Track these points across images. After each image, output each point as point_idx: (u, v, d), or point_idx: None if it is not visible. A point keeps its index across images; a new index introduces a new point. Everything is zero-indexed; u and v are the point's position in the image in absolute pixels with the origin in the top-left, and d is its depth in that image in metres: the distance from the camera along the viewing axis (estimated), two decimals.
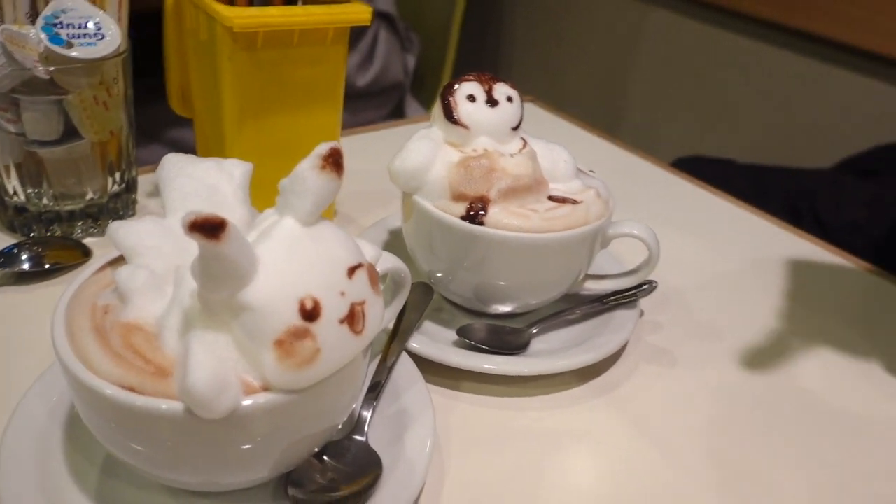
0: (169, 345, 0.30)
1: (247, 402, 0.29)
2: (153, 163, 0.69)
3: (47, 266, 0.52)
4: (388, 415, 0.41)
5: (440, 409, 0.42)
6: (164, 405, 0.28)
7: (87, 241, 0.56)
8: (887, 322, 0.60)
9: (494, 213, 0.44)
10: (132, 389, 0.28)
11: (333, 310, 0.30)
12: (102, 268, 0.35)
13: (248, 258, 0.28)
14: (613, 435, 0.44)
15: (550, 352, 0.48)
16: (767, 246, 0.69)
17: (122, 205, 0.59)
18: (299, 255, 0.30)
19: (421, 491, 0.37)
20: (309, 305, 0.29)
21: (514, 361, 0.46)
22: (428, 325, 0.50)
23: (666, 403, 0.48)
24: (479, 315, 0.52)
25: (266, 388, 0.29)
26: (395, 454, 0.37)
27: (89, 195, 0.56)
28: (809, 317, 0.59)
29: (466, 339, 0.46)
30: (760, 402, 0.49)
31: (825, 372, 0.52)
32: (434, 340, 0.47)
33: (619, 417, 0.46)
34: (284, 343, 0.29)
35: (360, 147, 0.77)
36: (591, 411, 0.46)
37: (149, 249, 0.33)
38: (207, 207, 0.35)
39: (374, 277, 0.33)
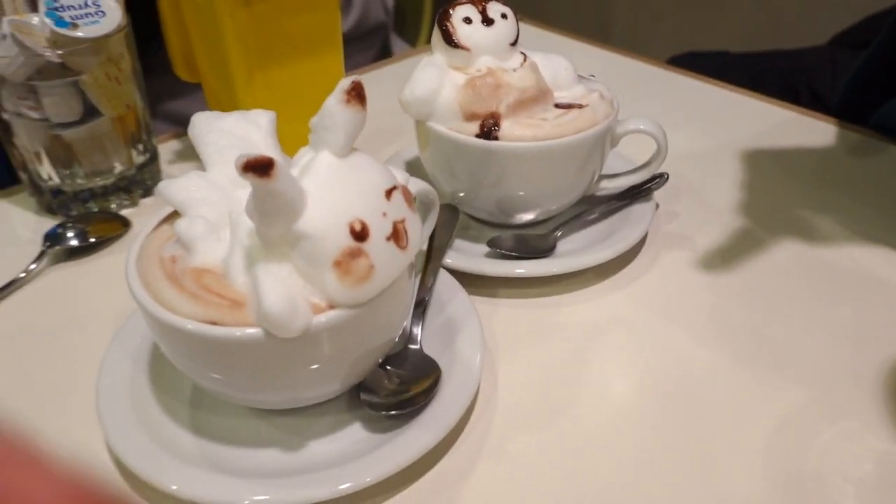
0: (237, 281, 0.33)
1: (318, 320, 0.32)
2: (166, 132, 0.72)
3: (92, 240, 0.55)
4: (436, 326, 0.44)
5: (481, 316, 0.45)
6: (246, 332, 0.31)
7: (123, 212, 0.59)
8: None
9: (507, 127, 0.47)
10: (214, 323, 0.32)
11: (379, 229, 0.33)
12: (158, 225, 0.38)
13: (297, 192, 0.31)
14: (644, 320, 0.48)
15: (576, 251, 0.51)
16: (770, 127, 0.71)
17: (148, 175, 0.61)
18: (341, 183, 0.33)
19: (478, 386, 0.40)
20: (358, 227, 0.32)
21: (544, 264, 0.49)
22: (458, 243, 0.53)
23: (690, 285, 0.51)
24: (505, 227, 0.55)
25: (331, 307, 0.33)
26: (450, 357, 0.41)
27: (117, 168, 0.59)
28: (820, 188, 0.61)
29: (497, 249, 0.49)
30: (783, 275, 0.51)
31: (843, 241, 0.55)
32: (467, 255, 0.50)
33: (648, 303, 0.49)
34: (342, 263, 0.32)
35: None
36: (620, 301, 0.49)
37: (199, 201, 0.36)
38: None
39: (409, 197, 0.36)
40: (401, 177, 0.38)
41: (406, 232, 0.35)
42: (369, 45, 1.24)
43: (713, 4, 1.56)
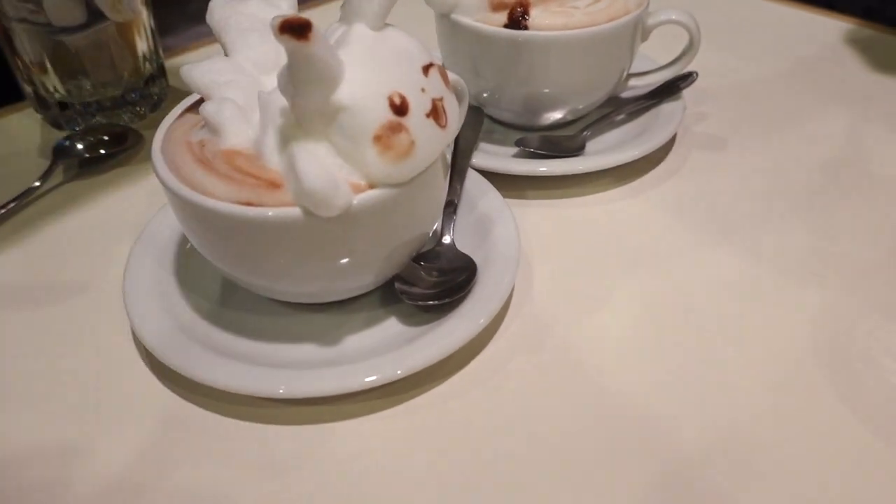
0: (272, 161, 0.31)
1: (359, 198, 0.30)
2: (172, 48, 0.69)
3: (103, 151, 0.53)
4: (467, 225, 0.43)
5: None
6: (286, 211, 0.30)
7: (133, 126, 0.57)
8: None
9: (537, 16, 0.45)
10: (250, 204, 0.30)
11: (419, 105, 0.31)
12: (183, 113, 0.36)
13: (335, 58, 0.29)
14: (675, 217, 0.46)
15: (605, 150, 0.49)
16: (792, 31, 0.69)
17: (157, 89, 0.59)
18: (378, 55, 0.31)
19: (515, 280, 0.39)
20: (398, 101, 0.30)
21: (574, 162, 0.47)
22: (484, 146, 0.51)
23: (722, 185, 0.49)
24: (531, 129, 0.53)
25: (371, 187, 0.31)
26: (486, 252, 0.40)
27: (125, 79, 0.56)
28: (860, 100, 0.59)
29: (526, 148, 0.48)
30: (818, 176, 0.50)
31: (885, 149, 0.54)
32: (494, 156, 0.48)
33: (678, 201, 0.48)
34: (383, 137, 0.30)
35: None
36: (653, 199, 0.48)
37: (225, 84, 0.34)
38: (268, 40, 0.36)
39: (446, 76, 0.34)
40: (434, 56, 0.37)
41: (445, 111, 0.33)
42: None
43: None
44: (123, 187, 0.51)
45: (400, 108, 0.30)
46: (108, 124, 0.56)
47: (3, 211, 0.47)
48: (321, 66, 0.28)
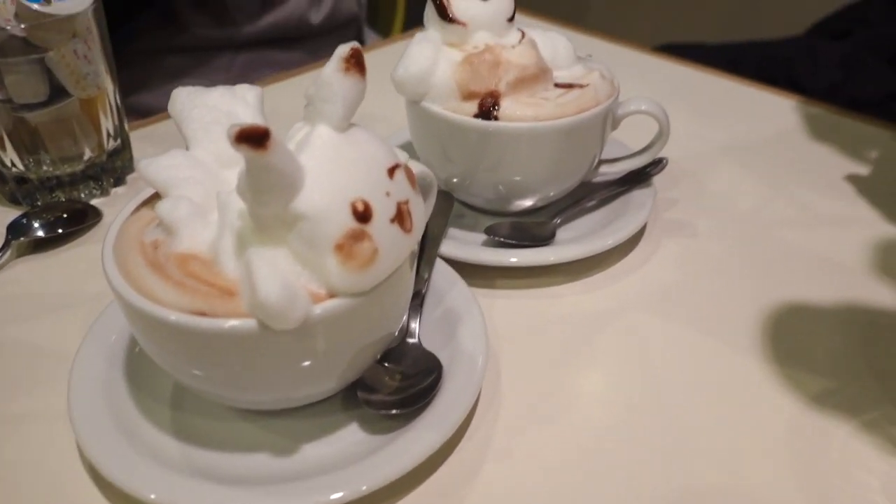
0: (228, 267, 0.30)
1: (318, 309, 0.29)
2: (138, 116, 0.68)
3: (60, 231, 0.51)
4: (434, 319, 0.41)
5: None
6: (239, 323, 0.28)
7: (94, 202, 0.55)
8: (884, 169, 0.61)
9: (507, 107, 0.44)
10: (202, 314, 0.29)
11: (383, 210, 0.30)
12: (138, 208, 0.35)
13: (295, 166, 0.28)
14: (648, 310, 0.46)
15: (576, 239, 0.49)
16: (757, 110, 0.70)
17: (120, 163, 0.58)
18: (341, 159, 0.30)
19: (480, 386, 0.37)
20: (361, 207, 0.29)
21: (544, 252, 0.46)
22: (453, 232, 0.50)
23: (692, 272, 0.49)
24: (501, 215, 0.52)
25: (331, 295, 0.30)
26: (451, 351, 0.38)
27: (87, 155, 0.55)
28: (819, 175, 0.60)
29: (495, 237, 0.47)
30: (789, 262, 0.50)
31: (850, 230, 0.54)
32: (463, 243, 0.47)
33: (651, 291, 0.47)
34: (345, 246, 0.29)
35: None
36: (623, 290, 0.47)
37: (183, 181, 0.33)
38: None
39: (412, 177, 0.33)
40: (401, 156, 0.36)
41: (410, 214, 0.32)
42: (341, 37, 1.21)
43: None
44: (79, 269, 0.49)
45: (363, 215, 0.29)
46: (68, 202, 0.55)
47: None
48: (279, 175, 0.27)
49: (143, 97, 0.93)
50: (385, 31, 1.50)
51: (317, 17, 1.11)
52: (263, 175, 0.27)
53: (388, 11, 1.58)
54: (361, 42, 1.30)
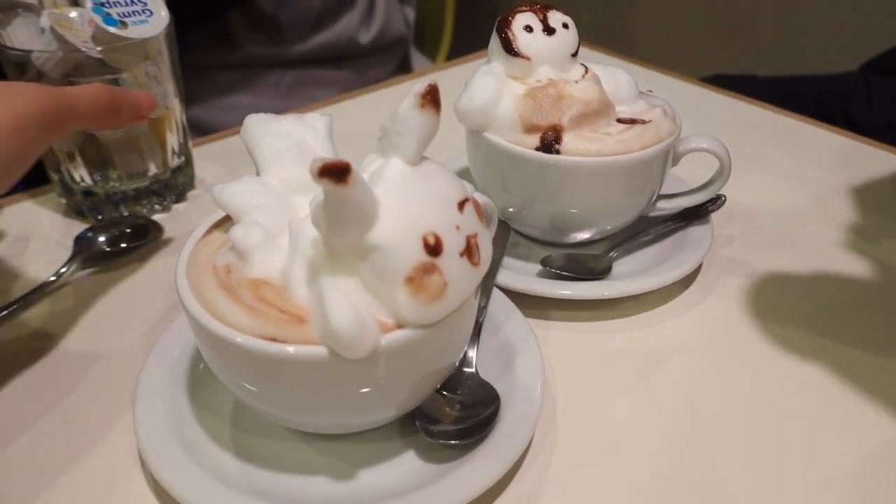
0: (299, 295, 0.30)
1: (386, 340, 0.29)
2: (200, 134, 0.70)
3: (124, 245, 0.53)
4: (491, 349, 0.42)
5: None
6: (310, 350, 0.29)
7: (156, 217, 0.57)
8: None
9: (569, 141, 0.44)
10: (273, 339, 0.29)
11: (453, 244, 0.31)
12: (209, 231, 0.36)
13: (371, 200, 0.29)
14: (707, 347, 0.45)
15: (632, 273, 0.48)
16: (814, 147, 0.69)
17: (183, 179, 0.59)
18: (414, 193, 0.30)
19: (539, 414, 0.37)
20: (432, 241, 0.30)
21: (601, 286, 0.46)
22: (508, 261, 0.50)
23: (753, 311, 0.48)
24: (556, 246, 0.52)
25: (400, 326, 0.30)
26: (509, 382, 0.38)
27: (152, 171, 0.56)
28: (886, 218, 0.59)
29: (551, 269, 0.47)
30: (852, 303, 0.49)
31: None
32: (518, 273, 0.47)
33: (710, 329, 0.47)
34: (415, 279, 0.29)
35: (374, 104, 0.77)
36: (680, 327, 0.47)
37: (256, 207, 0.33)
38: (300, 162, 0.36)
39: (480, 210, 0.34)
40: (468, 188, 0.36)
41: (478, 247, 0.32)
42: (389, 58, 1.23)
43: (739, 26, 1.54)
44: (143, 284, 0.50)
45: (434, 249, 0.30)
46: (131, 216, 0.56)
47: (18, 304, 0.46)
48: (356, 209, 0.28)
49: (192, 111, 0.95)
50: (431, 53, 1.52)
51: (366, 37, 1.13)
52: (341, 208, 0.28)
53: (434, 34, 1.60)
54: (408, 64, 1.32)
